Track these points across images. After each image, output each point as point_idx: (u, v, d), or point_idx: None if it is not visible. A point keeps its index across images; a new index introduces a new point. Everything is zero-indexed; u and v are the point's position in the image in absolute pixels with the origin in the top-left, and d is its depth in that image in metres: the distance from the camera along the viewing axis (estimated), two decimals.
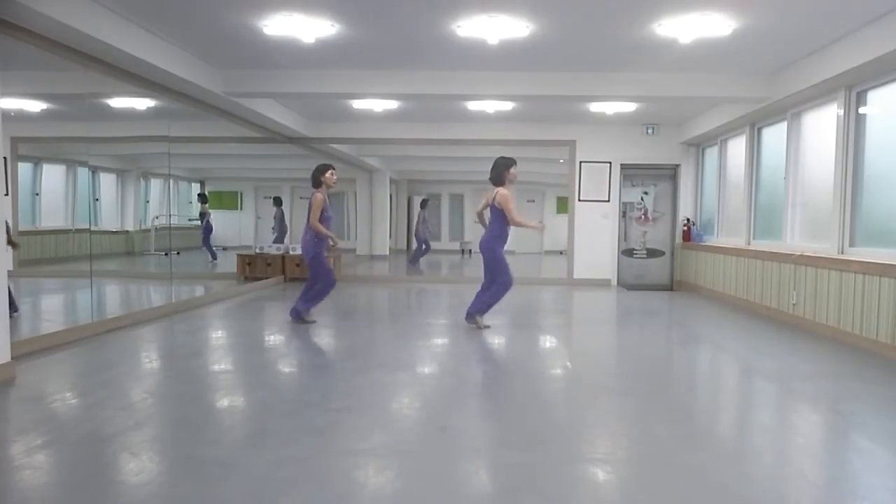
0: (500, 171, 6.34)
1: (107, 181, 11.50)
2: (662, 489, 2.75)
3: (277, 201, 14.21)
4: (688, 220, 10.67)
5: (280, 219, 14.00)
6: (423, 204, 15.73)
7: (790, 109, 7.47)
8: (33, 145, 9.13)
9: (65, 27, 5.01)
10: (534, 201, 20.27)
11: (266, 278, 10.54)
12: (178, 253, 12.16)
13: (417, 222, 15.39)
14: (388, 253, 17.34)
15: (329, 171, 6.49)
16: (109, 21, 5.45)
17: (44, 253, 9.54)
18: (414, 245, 15.84)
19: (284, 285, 10.44)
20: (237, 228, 16.03)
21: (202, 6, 5.44)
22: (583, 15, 5.51)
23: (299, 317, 6.57)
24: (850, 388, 4.55)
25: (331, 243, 6.51)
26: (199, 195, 13.98)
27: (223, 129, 9.54)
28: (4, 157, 4.58)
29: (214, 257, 13.32)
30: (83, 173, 9.79)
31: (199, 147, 11.73)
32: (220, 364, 5.20)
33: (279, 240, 13.38)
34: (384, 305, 9.21)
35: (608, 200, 10.85)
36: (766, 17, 5.40)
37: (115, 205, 11.46)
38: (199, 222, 13.38)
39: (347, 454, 3.07)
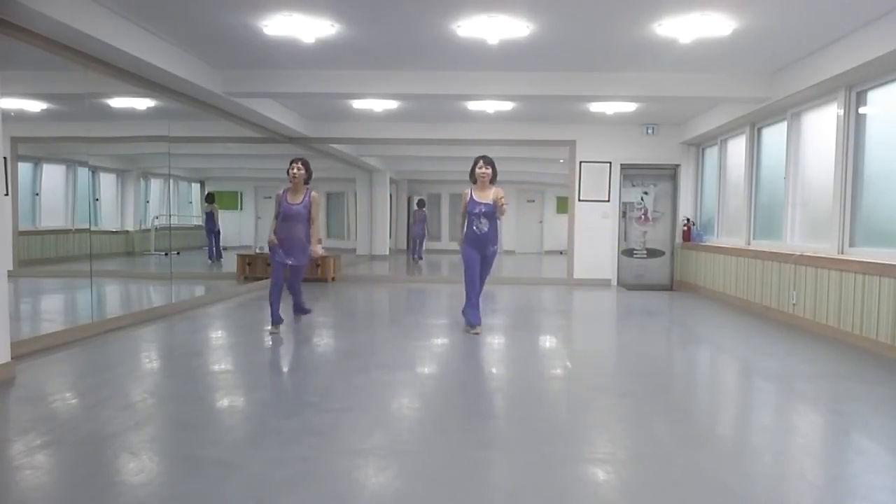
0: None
1: (107, 181, 11.49)
2: (662, 489, 2.75)
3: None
4: (688, 220, 10.67)
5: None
6: (421, 204, 16.62)
7: (790, 109, 7.47)
8: (33, 145, 9.12)
9: (65, 27, 5.01)
10: (534, 201, 20.27)
11: (266, 278, 10.53)
12: (178, 253, 12.16)
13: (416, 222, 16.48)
14: (387, 253, 17.35)
15: (289, 165, 6.03)
16: (109, 21, 5.45)
17: (44, 253, 9.53)
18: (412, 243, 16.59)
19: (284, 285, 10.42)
20: (237, 228, 16.02)
21: (202, 6, 5.44)
22: (583, 15, 5.51)
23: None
24: (850, 388, 4.54)
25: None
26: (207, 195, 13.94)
27: (223, 129, 9.54)
28: (4, 157, 4.58)
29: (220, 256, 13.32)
30: (83, 173, 9.79)
31: (199, 147, 11.72)
32: (221, 364, 5.20)
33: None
34: (384, 305, 9.20)
35: (608, 200, 10.86)
36: (766, 17, 5.40)
37: (115, 205, 11.46)
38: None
39: (348, 454, 3.07)
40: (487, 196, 6.05)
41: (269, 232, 6.14)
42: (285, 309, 6.30)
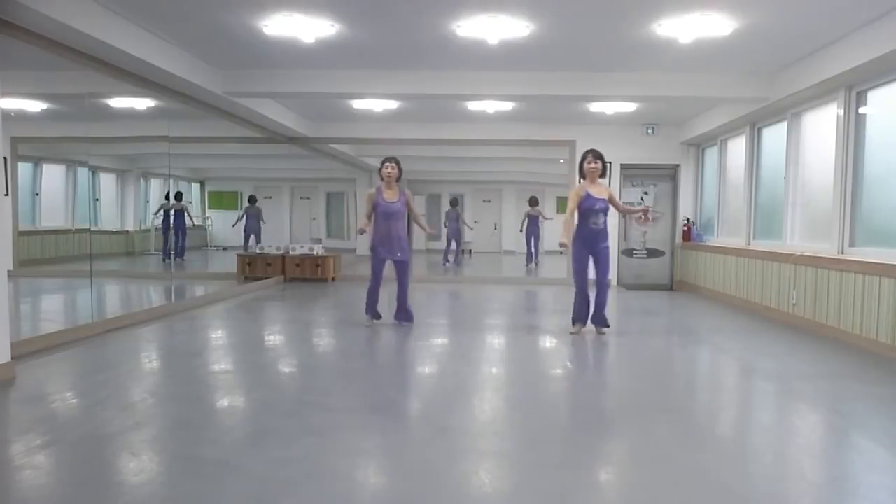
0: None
1: (107, 181, 11.50)
2: (662, 489, 2.75)
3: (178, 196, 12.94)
4: (688, 220, 10.67)
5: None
6: (454, 202, 15.79)
7: (790, 109, 7.47)
8: (33, 145, 9.13)
9: (65, 27, 5.01)
10: None
11: (266, 278, 10.54)
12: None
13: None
14: None
15: (382, 165, 6.34)
16: (109, 21, 5.45)
17: (44, 253, 9.54)
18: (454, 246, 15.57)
19: (284, 285, 10.43)
20: (237, 228, 16.03)
21: (202, 6, 5.44)
22: (583, 15, 5.51)
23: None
24: (850, 388, 4.54)
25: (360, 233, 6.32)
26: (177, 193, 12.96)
27: (223, 129, 9.54)
28: (4, 157, 4.57)
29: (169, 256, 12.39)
30: (83, 173, 9.80)
31: (199, 147, 11.73)
32: (221, 364, 5.20)
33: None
34: (384, 306, 9.20)
35: None
36: (766, 17, 5.41)
37: (115, 205, 11.46)
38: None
39: (347, 454, 3.07)
40: (602, 191, 6.01)
41: (362, 223, 6.30)
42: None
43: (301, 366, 5.21)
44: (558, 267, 12.55)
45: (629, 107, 9.08)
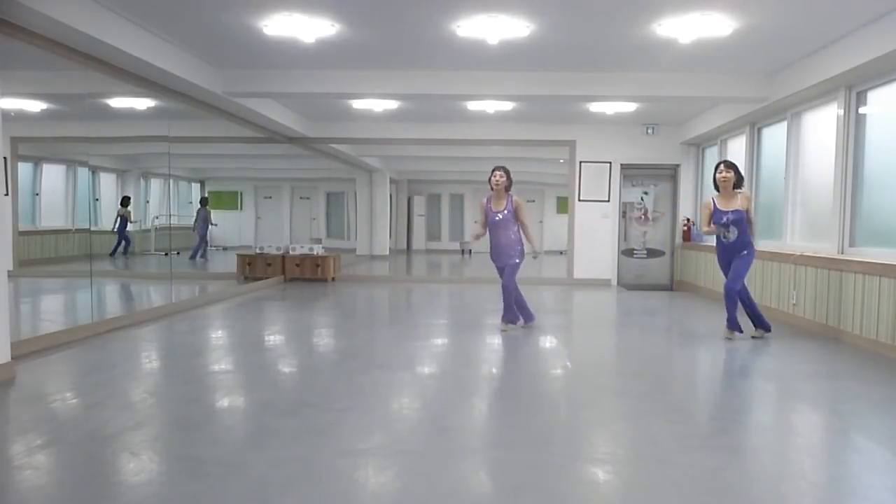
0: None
1: (107, 181, 11.49)
2: (662, 489, 2.75)
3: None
4: (688, 220, 10.67)
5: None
6: None
7: (790, 109, 7.47)
8: (33, 145, 9.13)
9: (65, 27, 5.01)
10: (534, 201, 20.27)
11: (266, 278, 10.54)
12: (178, 253, 12.13)
13: None
14: (388, 253, 17.35)
15: (491, 173, 6.16)
16: (109, 21, 5.45)
17: (44, 253, 9.54)
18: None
19: (284, 285, 10.43)
20: (237, 228, 16.03)
21: (202, 6, 5.44)
22: (583, 15, 5.51)
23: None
24: (849, 388, 4.54)
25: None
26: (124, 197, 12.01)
27: (223, 129, 9.54)
28: (4, 157, 4.58)
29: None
30: (83, 173, 9.80)
31: (199, 147, 11.71)
32: (221, 364, 5.19)
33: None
34: (384, 306, 9.21)
35: (608, 200, 10.86)
36: (766, 17, 5.41)
37: (115, 205, 11.45)
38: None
39: (348, 454, 3.07)
40: (734, 203, 5.78)
41: (477, 230, 6.43)
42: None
43: (301, 366, 5.21)
44: (559, 267, 12.52)
45: (629, 107, 9.09)
